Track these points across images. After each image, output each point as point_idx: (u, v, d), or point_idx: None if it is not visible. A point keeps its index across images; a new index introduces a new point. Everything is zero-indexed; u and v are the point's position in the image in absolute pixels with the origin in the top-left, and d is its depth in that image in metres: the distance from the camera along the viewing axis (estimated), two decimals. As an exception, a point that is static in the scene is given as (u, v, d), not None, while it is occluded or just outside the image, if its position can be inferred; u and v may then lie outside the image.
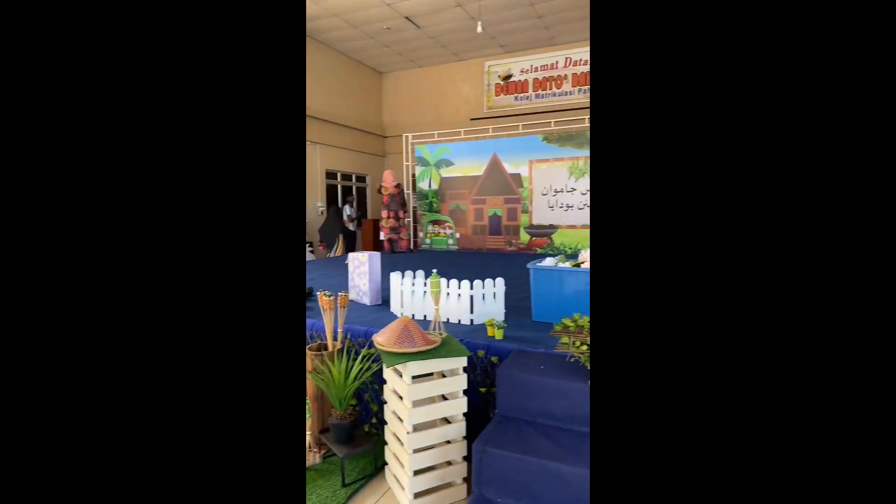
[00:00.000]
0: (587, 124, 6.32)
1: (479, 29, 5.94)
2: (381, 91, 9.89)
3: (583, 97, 8.17)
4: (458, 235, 6.96)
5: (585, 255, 2.39)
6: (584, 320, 1.77)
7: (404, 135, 8.14)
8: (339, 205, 8.19)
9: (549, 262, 2.53)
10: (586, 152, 5.98)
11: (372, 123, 9.47)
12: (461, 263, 5.07)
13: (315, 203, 7.68)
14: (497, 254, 6.33)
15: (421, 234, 7.27)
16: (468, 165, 6.82)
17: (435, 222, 7.12)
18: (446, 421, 1.81)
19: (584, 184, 6.04)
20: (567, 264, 2.41)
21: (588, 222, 6.05)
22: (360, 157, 9.11)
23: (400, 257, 5.84)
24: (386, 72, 9.76)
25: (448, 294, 2.47)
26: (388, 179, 6.58)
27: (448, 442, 1.77)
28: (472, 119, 8.94)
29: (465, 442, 1.78)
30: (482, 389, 1.99)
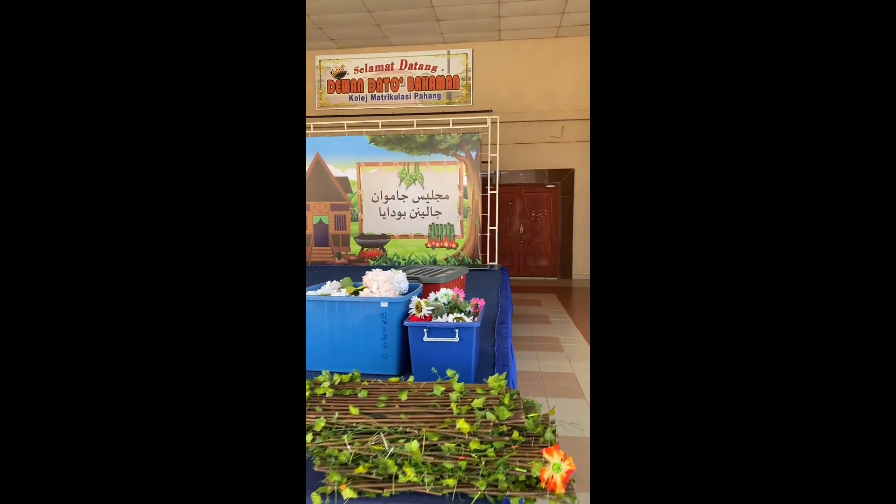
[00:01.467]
0: (416, 127, 6.00)
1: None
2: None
3: (419, 102, 7.94)
4: (278, 247, 6.02)
5: (369, 278, 1.85)
6: (323, 386, 1.20)
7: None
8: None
9: (327, 287, 1.93)
10: (416, 157, 5.63)
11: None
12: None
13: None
14: (323, 267, 5.58)
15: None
16: (288, 166, 5.94)
17: (250, 232, 6.06)
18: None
19: (416, 191, 5.68)
20: (344, 291, 1.84)
21: (420, 231, 5.71)
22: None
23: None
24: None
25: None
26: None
27: None
28: (306, 116, 8.04)
29: None
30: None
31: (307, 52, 8.20)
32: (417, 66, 7.99)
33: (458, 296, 1.91)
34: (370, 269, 1.91)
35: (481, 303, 1.94)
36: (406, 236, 5.72)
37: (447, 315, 1.69)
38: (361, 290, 1.83)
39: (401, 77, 8.05)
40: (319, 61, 8.25)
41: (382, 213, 5.73)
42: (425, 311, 1.72)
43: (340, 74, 8.23)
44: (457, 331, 1.62)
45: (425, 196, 5.64)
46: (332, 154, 5.78)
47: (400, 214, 5.71)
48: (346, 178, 5.79)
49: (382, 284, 1.78)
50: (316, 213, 5.88)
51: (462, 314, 1.69)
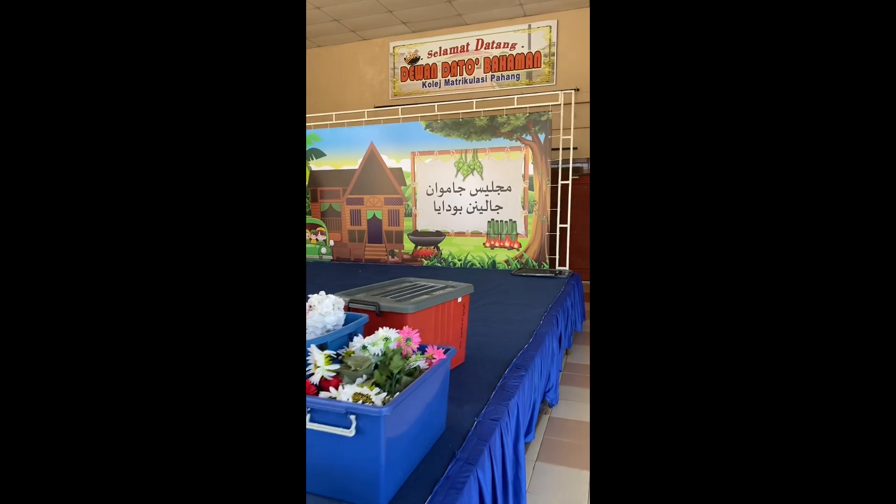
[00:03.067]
0: (475, 109, 5.27)
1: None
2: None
3: (495, 84, 7.17)
4: (332, 243, 5.74)
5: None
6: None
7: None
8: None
9: (313, 300, 1.36)
10: (474, 144, 4.91)
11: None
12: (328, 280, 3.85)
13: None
14: (373, 266, 5.16)
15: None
16: (342, 157, 5.61)
17: (306, 226, 5.87)
18: None
19: (473, 183, 4.97)
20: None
21: (478, 229, 4.99)
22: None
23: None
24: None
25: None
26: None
27: None
28: (376, 107, 7.75)
29: None
30: None
31: (381, 39, 7.88)
32: (494, 45, 7.21)
33: (407, 339, 1.22)
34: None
35: (438, 355, 1.22)
36: (462, 234, 5.06)
37: (347, 387, 1.01)
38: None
39: (476, 59, 7.34)
40: (393, 48, 7.87)
41: (437, 207, 5.13)
42: (325, 371, 1.07)
43: (414, 60, 7.77)
44: (353, 418, 0.94)
45: (484, 188, 4.91)
46: (386, 143, 5.31)
47: (456, 209, 5.05)
48: (399, 170, 5.29)
49: (277, 322, 1.16)
50: (369, 208, 5.47)
51: (374, 390, 1.00)
